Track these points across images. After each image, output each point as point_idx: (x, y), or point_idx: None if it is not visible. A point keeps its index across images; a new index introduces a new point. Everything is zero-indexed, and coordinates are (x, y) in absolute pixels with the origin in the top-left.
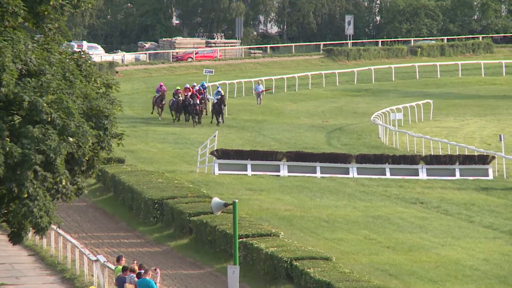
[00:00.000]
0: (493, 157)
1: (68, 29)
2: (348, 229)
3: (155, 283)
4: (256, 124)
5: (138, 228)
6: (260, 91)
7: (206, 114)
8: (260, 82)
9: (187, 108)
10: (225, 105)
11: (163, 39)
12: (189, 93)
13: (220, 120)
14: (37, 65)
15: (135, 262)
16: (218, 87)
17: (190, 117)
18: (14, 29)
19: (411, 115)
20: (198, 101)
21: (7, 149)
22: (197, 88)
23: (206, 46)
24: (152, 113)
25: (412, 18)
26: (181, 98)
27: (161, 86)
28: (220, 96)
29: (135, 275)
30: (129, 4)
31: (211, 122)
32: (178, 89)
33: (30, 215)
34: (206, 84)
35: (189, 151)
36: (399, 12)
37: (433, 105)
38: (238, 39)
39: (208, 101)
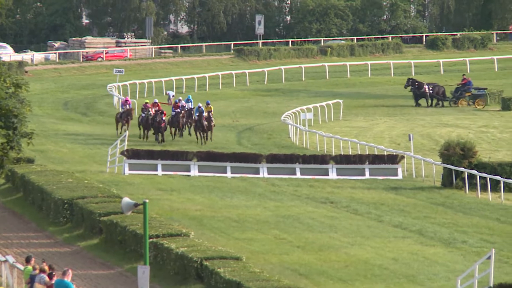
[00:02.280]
0: (402, 157)
1: None
2: (259, 229)
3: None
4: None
5: (48, 228)
6: (172, 96)
7: (183, 133)
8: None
9: (154, 125)
10: (207, 123)
11: (73, 38)
12: (157, 109)
13: (200, 137)
14: None
15: (45, 262)
16: (198, 104)
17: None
18: None
19: (321, 115)
20: (163, 118)
21: None
22: (183, 103)
23: (116, 46)
24: (119, 134)
25: (322, 18)
26: (151, 113)
27: (126, 100)
28: (199, 113)
29: (45, 276)
30: (38, 4)
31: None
32: (147, 103)
33: None
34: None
35: (99, 151)
36: (309, 12)
37: (343, 105)
38: (149, 38)
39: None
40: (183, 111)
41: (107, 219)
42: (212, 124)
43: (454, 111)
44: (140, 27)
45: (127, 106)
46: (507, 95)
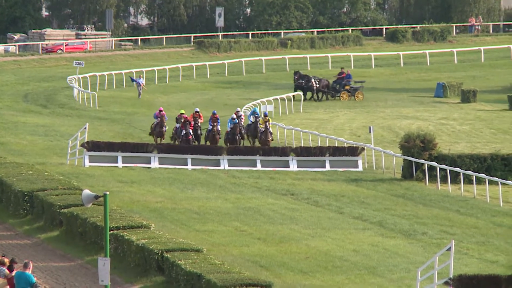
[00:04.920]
0: (363, 149)
1: None
2: (219, 221)
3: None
4: (127, 116)
5: (8, 220)
6: (141, 83)
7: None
8: (141, 76)
9: (198, 137)
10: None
11: (33, 30)
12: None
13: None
14: None
15: (4, 256)
16: (233, 115)
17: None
18: None
19: (282, 107)
20: (191, 130)
21: None
22: (241, 113)
23: (76, 38)
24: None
25: (282, 10)
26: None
27: (160, 111)
28: (233, 125)
29: (5, 268)
30: None
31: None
32: (183, 113)
33: None
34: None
35: (59, 143)
36: (269, 5)
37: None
38: (109, 31)
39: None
40: (214, 126)
41: (67, 211)
42: (270, 138)
43: (414, 104)
44: (100, 19)
45: (160, 117)
46: (466, 88)
